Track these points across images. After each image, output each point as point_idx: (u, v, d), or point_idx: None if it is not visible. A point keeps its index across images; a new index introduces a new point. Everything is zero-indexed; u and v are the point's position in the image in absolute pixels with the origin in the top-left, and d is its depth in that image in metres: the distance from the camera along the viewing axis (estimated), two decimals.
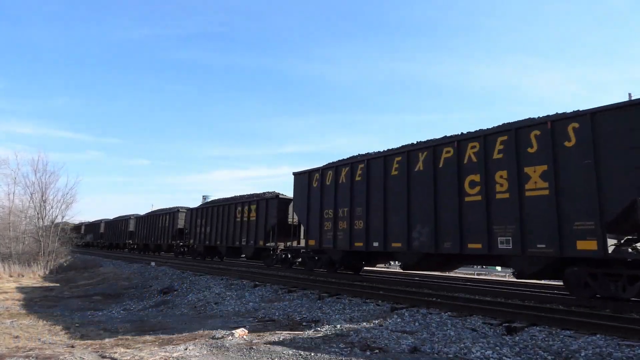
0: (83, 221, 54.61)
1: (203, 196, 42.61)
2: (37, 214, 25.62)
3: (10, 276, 19.98)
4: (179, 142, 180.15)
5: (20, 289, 15.81)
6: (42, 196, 25.62)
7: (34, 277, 20.29)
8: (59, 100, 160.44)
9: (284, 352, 5.85)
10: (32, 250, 24.64)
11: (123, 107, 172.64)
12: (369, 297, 9.93)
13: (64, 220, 27.65)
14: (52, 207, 25.94)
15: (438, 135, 15.35)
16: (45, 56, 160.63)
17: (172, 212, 28.64)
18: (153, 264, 21.70)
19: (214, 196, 40.78)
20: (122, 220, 39.88)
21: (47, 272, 21.91)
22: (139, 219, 35.65)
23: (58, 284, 17.61)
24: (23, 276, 20.31)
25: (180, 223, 27.53)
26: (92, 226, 51.45)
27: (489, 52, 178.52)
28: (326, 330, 7.37)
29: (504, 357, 5.52)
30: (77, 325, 8.78)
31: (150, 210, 34.29)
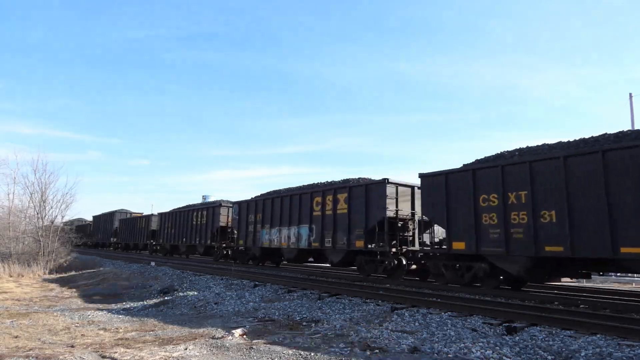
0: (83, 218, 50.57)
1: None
2: (37, 214, 25.57)
3: (10, 276, 19.95)
4: (179, 142, 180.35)
5: (20, 289, 15.79)
6: (41, 196, 25.55)
7: (33, 277, 20.27)
8: (59, 100, 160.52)
9: (284, 352, 5.86)
10: (32, 250, 24.61)
11: (123, 107, 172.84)
12: (369, 297, 9.94)
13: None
14: (51, 207, 25.87)
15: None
16: (45, 56, 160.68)
17: (212, 207, 24.11)
18: (153, 263, 21.71)
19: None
20: (142, 218, 35.17)
21: (47, 272, 21.89)
22: (164, 215, 30.51)
23: (58, 284, 17.61)
24: (23, 276, 20.29)
25: (223, 220, 23.04)
26: (104, 224, 45.35)
27: (489, 52, 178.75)
28: (326, 330, 7.37)
29: (504, 357, 5.52)
30: (77, 325, 8.78)
31: (179, 207, 29.76)
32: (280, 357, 5.63)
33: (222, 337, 6.88)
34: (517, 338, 6.22)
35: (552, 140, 10.86)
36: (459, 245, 10.93)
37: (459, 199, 11.06)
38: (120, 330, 8.03)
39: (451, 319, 7.52)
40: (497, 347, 5.86)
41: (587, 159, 8.93)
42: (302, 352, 5.79)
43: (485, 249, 10.35)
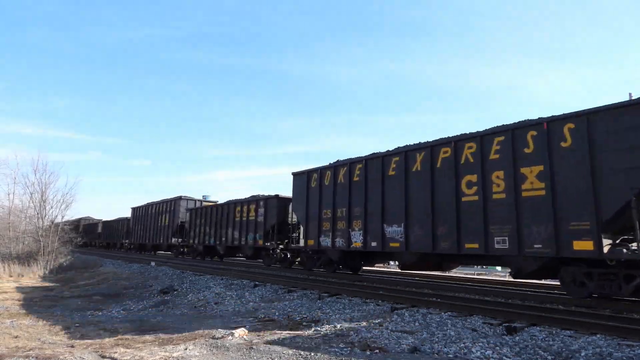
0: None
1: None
2: (37, 213, 25.60)
3: (10, 276, 19.96)
4: (179, 142, 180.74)
5: (20, 289, 15.79)
6: (41, 196, 25.60)
7: (33, 277, 20.27)
8: (59, 100, 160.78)
9: (284, 352, 5.85)
10: (32, 250, 24.62)
11: (123, 107, 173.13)
12: (369, 297, 9.94)
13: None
14: (52, 207, 25.92)
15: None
16: (45, 56, 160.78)
17: (263, 200, 19.19)
18: (153, 263, 21.72)
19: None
20: (166, 212, 29.82)
21: (47, 272, 21.89)
22: (194, 211, 25.67)
23: (58, 284, 17.60)
24: (23, 276, 20.29)
25: (272, 215, 18.51)
26: (115, 223, 42.34)
27: (489, 52, 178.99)
28: (326, 330, 7.37)
29: (504, 357, 5.52)
30: (77, 325, 8.78)
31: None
32: (280, 357, 5.63)
33: (222, 337, 6.87)
34: (517, 338, 6.22)
35: None
36: None
37: None
38: (120, 330, 8.03)
39: (451, 319, 7.52)
40: (497, 347, 5.86)
41: None
42: (302, 352, 5.79)
43: None
